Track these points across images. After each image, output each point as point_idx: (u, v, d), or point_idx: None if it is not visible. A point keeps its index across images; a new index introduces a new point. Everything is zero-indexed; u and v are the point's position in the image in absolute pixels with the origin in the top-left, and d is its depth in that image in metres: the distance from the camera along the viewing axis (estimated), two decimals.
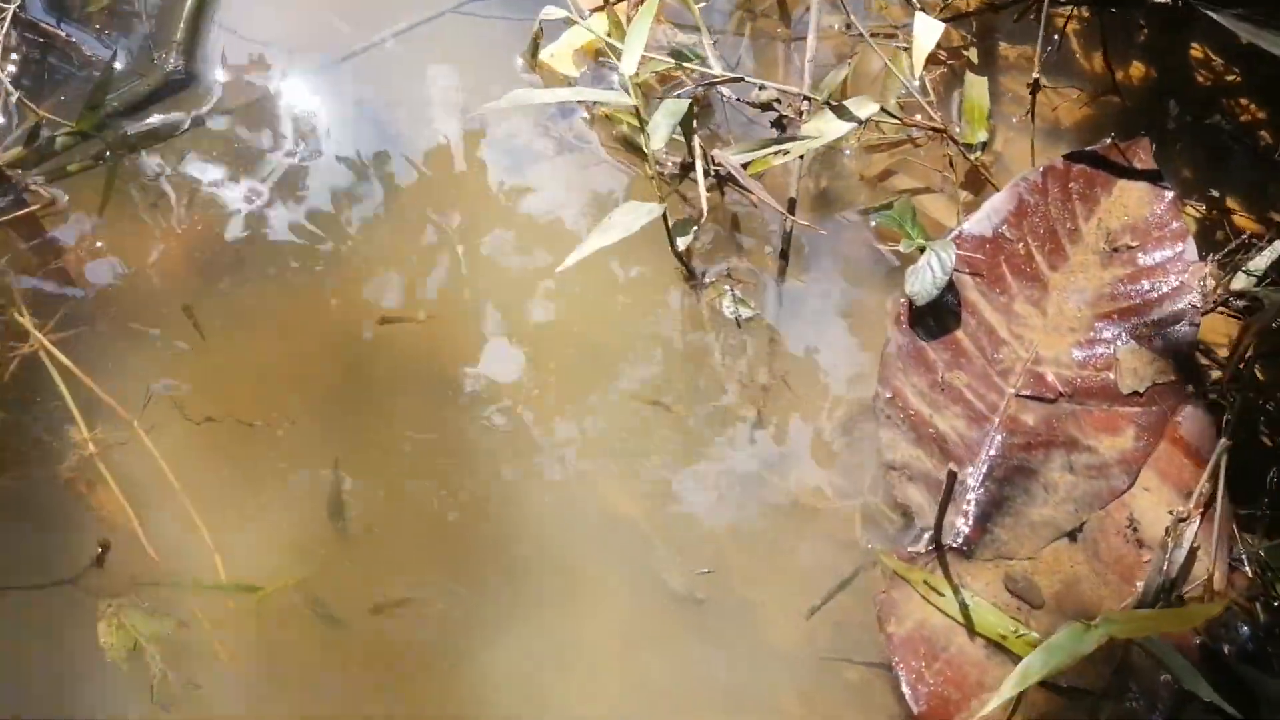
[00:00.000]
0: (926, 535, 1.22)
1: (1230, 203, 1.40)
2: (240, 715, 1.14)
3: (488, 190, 1.40)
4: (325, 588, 1.20)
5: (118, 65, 1.40)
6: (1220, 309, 1.28)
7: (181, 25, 1.41)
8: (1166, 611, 1.07)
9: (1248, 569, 1.22)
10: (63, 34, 1.43)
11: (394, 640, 1.19)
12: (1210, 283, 1.29)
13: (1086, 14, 1.50)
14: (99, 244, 1.32)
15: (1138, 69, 1.51)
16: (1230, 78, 1.49)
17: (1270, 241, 1.22)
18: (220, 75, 1.43)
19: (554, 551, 1.24)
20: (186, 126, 1.38)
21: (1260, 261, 1.22)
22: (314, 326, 1.31)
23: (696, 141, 1.24)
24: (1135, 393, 1.28)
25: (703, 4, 1.50)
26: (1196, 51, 1.50)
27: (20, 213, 1.32)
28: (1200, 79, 1.50)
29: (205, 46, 1.45)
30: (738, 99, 1.38)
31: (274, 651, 1.17)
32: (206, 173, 1.37)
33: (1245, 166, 1.43)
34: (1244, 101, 1.49)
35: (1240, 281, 1.22)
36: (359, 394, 1.28)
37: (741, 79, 1.29)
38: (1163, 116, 1.46)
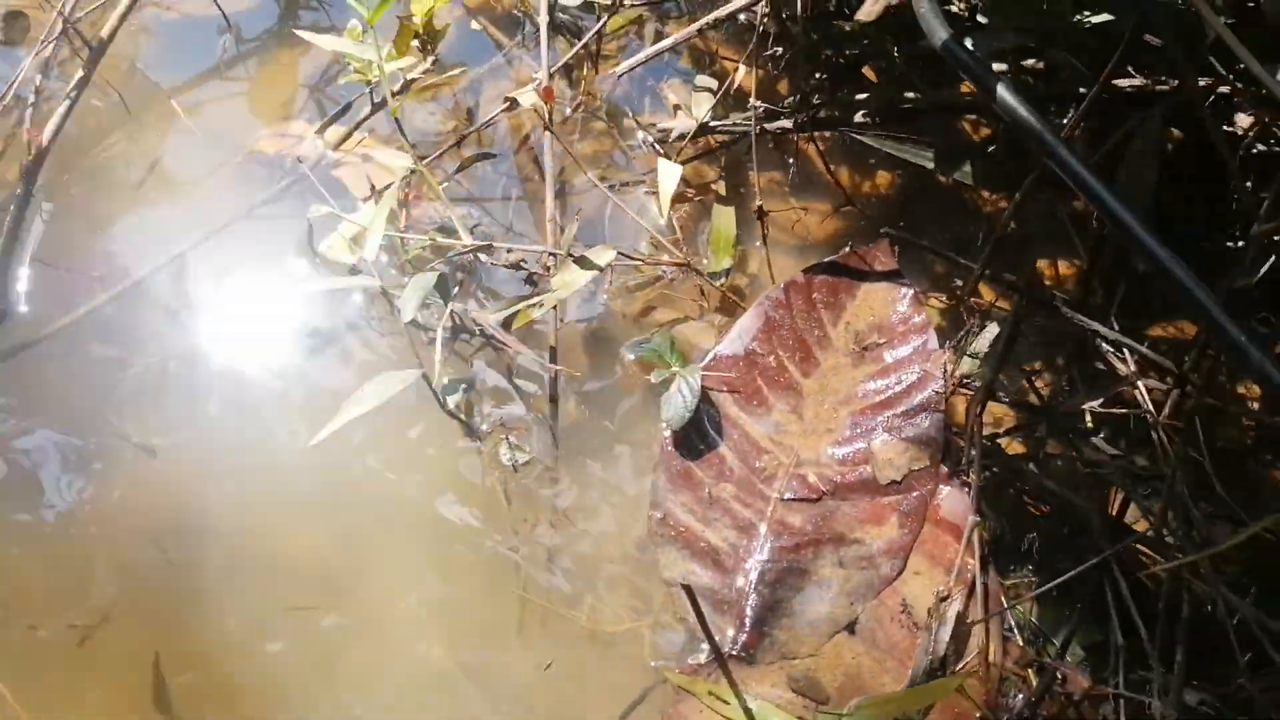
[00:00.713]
0: (706, 647, 1.27)
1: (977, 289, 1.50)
2: None
3: (293, 370, 1.50)
4: None
5: None
6: (962, 391, 1.36)
7: None
8: (908, 691, 1.11)
9: (1019, 638, 1.27)
10: None
11: None
12: (950, 368, 1.37)
13: (828, 136, 1.63)
14: None
15: (882, 178, 1.63)
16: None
17: (984, 325, 1.30)
18: (31, 306, 1.54)
19: (380, 716, 1.29)
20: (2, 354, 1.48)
21: (979, 344, 1.30)
22: (125, 529, 1.39)
23: (449, 309, 1.34)
24: (894, 482, 1.35)
25: (475, 178, 1.64)
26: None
27: None
28: (941, 180, 1.61)
29: (16, 280, 1.54)
30: (493, 263, 1.49)
31: None
32: (24, 395, 1.48)
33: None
34: (984, 194, 1.60)
35: (965, 365, 1.31)
36: (166, 590, 1.35)
37: (490, 245, 1.40)
38: (908, 218, 1.56)
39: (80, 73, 1.62)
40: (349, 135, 1.59)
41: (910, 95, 1.43)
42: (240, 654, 1.31)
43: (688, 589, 1.15)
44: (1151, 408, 1.14)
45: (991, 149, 1.52)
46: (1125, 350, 1.21)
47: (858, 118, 1.43)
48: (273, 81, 1.79)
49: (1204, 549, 0.99)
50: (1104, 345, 1.23)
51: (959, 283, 1.43)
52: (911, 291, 1.46)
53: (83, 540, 1.37)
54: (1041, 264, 1.55)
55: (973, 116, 1.60)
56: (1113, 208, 0.98)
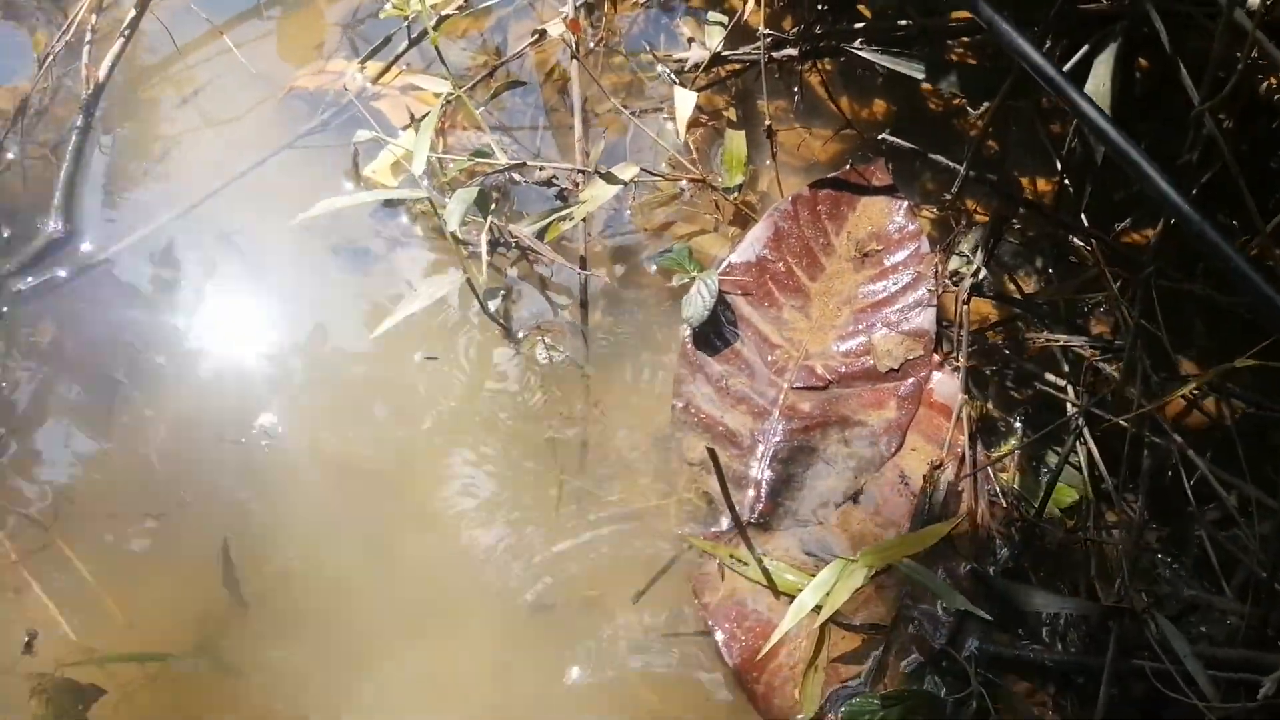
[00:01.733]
0: (726, 517, 1.43)
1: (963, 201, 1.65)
2: None
3: (344, 286, 1.63)
4: (224, 646, 1.39)
5: (4, 232, 1.64)
6: (951, 289, 1.51)
7: (59, 191, 1.66)
8: (908, 536, 1.27)
9: (1003, 501, 1.44)
10: None
11: (289, 682, 1.38)
12: (940, 269, 1.52)
13: (829, 65, 1.77)
14: (2, 384, 1.54)
15: (879, 105, 1.77)
16: (956, 101, 1.75)
17: (970, 228, 1.46)
18: (96, 229, 1.67)
19: (426, 590, 1.44)
20: (68, 277, 1.61)
21: (965, 245, 1.45)
22: (202, 421, 1.53)
23: (489, 220, 1.48)
24: (892, 370, 1.51)
25: (504, 108, 1.77)
26: (926, 87, 1.77)
27: None
28: (931, 106, 1.76)
29: (82, 206, 1.68)
30: (527, 181, 1.63)
31: (184, 703, 1.36)
32: (94, 312, 1.61)
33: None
34: (969, 119, 1.75)
35: (954, 262, 1.46)
36: (238, 480, 1.50)
37: (524, 164, 1.54)
38: (902, 137, 1.71)
39: (133, 12, 1.74)
40: (388, 69, 1.72)
41: (903, 23, 1.57)
42: (302, 542, 1.46)
43: (712, 453, 1.31)
44: (1115, 290, 1.29)
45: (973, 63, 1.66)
46: (1093, 243, 1.37)
47: (856, 44, 1.57)
48: (306, 22, 1.91)
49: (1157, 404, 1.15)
50: (1075, 240, 1.38)
51: (949, 196, 1.58)
52: (906, 203, 1.61)
53: (155, 440, 1.52)
54: (1024, 181, 1.70)
55: (960, 40, 1.73)
56: (1068, 93, 1.12)
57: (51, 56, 1.75)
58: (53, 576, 1.41)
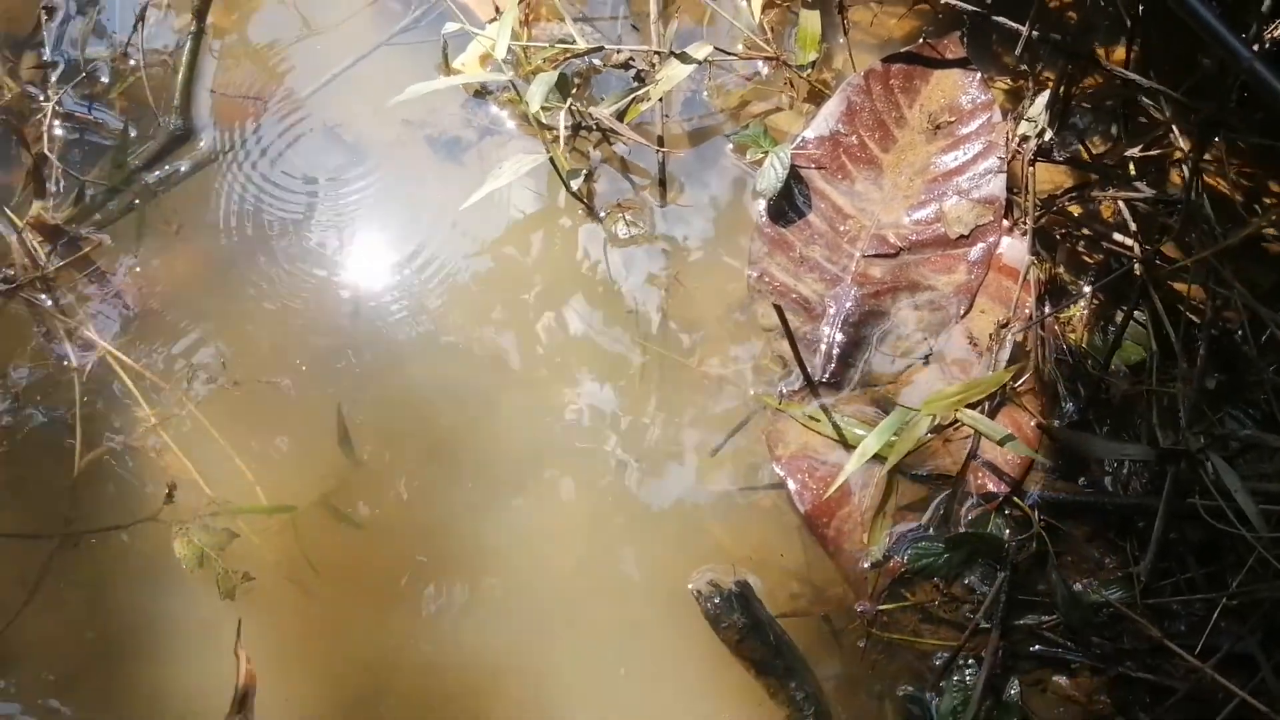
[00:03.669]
0: (798, 376, 1.50)
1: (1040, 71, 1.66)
2: (285, 595, 1.48)
3: (439, 171, 1.73)
4: (342, 499, 1.54)
5: (133, 132, 1.77)
6: (1021, 156, 1.53)
7: (177, 92, 1.79)
8: (967, 383, 1.32)
9: (1070, 359, 1.47)
10: (91, 117, 1.82)
11: (400, 532, 1.52)
12: (1011, 136, 1.55)
13: None
14: (138, 269, 1.69)
15: None
16: None
17: (1037, 94, 1.47)
18: (211, 127, 1.81)
19: (519, 447, 1.55)
20: (189, 170, 1.75)
21: (1034, 109, 1.47)
22: (309, 303, 1.66)
23: (569, 103, 1.56)
24: (962, 236, 1.55)
25: (582, 1, 1.84)
26: None
27: (77, 255, 1.69)
28: None
29: (198, 105, 1.82)
30: (607, 66, 1.70)
31: (308, 550, 1.51)
32: (214, 202, 1.75)
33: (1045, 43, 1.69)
34: None
35: (1023, 128, 1.48)
36: (346, 351, 1.63)
37: (602, 47, 1.61)
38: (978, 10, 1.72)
39: None
40: None
41: None
42: (410, 406, 1.59)
43: (778, 308, 1.38)
44: (1183, 145, 1.31)
45: None
46: (1161, 100, 1.38)
47: None
48: None
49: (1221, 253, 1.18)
50: (1143, 99, 1.39)
51: (1015, 59, 1.59)
52: (979, 75, 1.63)
53: (276, 315, 1.65)
54: (1098, 49, 1.70)
55: None
56: None
57: None
58: (188, 438, 1.58)
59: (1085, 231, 1.49)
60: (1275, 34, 1.28)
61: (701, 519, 1.48)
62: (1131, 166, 1.45)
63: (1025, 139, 1.48)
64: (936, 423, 1.37)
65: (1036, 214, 1.46)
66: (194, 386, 1.60)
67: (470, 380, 1.59)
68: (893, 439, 1.32)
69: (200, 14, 1.83)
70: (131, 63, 1.84)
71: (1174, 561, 1.31)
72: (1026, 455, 1.32)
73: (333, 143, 1.76)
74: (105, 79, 1.84)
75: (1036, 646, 1.32)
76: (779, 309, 1.33)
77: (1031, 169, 1.44)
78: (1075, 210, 1.52)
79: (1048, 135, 1.43)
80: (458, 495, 1.52)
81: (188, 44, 1.82)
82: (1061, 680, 1.31)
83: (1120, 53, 1.63)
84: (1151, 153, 1.42)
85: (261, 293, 1.65)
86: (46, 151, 1.74)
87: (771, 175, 1.55)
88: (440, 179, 1.72)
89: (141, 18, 1.85)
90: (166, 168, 1.76)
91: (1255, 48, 1.18)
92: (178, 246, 1.71)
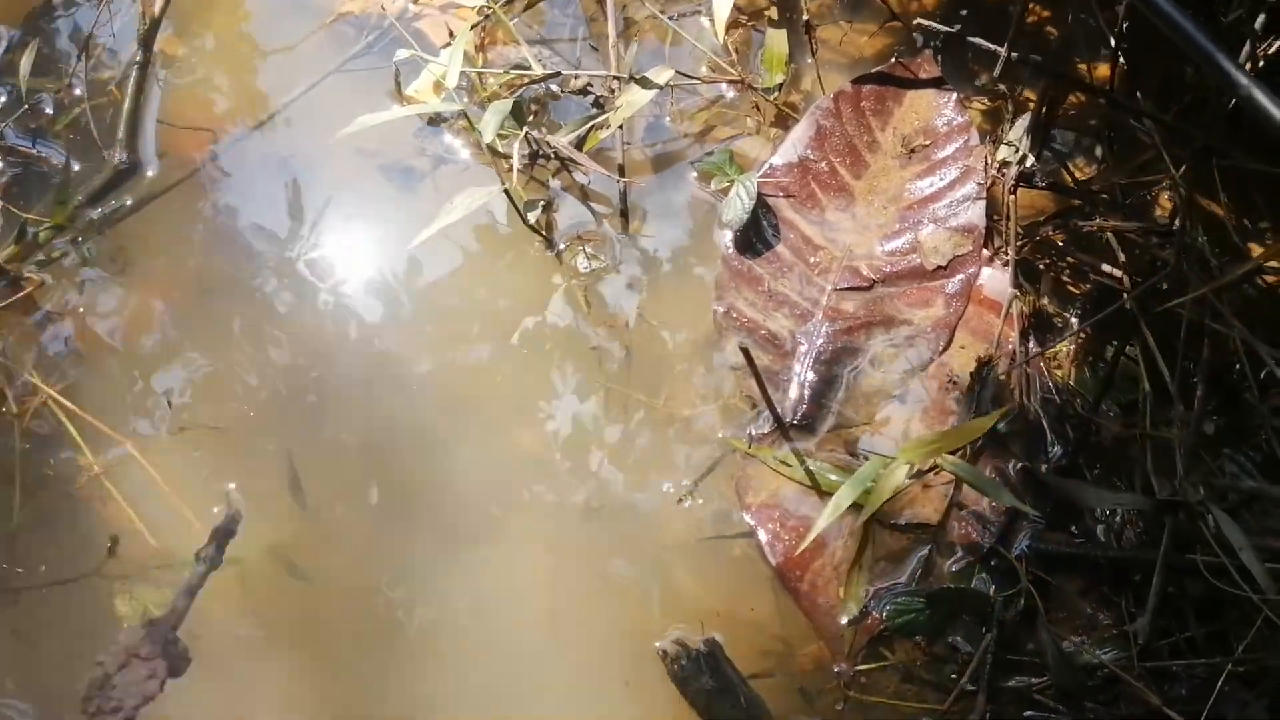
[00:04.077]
0: (768, 419, 1.41)
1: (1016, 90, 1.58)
2: (233, 655, 1.39)
3: (393, 203, 1.65)
4: (292, 552, 1.46)
5: (76, 166, 1.69)
6: (1000, 181, 1.45)
7: (122, 125, 1.71)
8: (950, 430, 1.24)
9: (1057, 398, 1.39)
10: (35, 151, 1.74)
11: (358, 586, 1.43)
12: (990, 160, 1.46)
13: None
14: (81, 309, 1.61)
15: None
16: None
17: (1017, 116, 1.39)
18: (157, 160, 1.73)
19: (478, 496, 1.46)
20: (135, 205, 1.67)
21: (1014, 133, 1.39)
22: (258, 344, 1.58)
23: (525, 131, 1.48)
24: (939, 267, 1.46)
25: (543, 22, 1.76)
26: None
27: (18, 296, 1.61)
28: None
29: (145, 137, 1.73)
30: (565, 92, 1.62)
31: (257, 606, 1.42)
32: (160, 238, 1.67)
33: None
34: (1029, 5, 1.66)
35: (1003, 152, 1.40)
36: (297, 394, 1.55)
37: (559, 73, 1.53)
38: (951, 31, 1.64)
39: None
40: None
41: None
42: (365, 451, 1.49)
43: (745, 351, 1.29)
44: (1172, 168, 1.23)
45: None
46: (1149, 123, 1.30)
47: None
48: None
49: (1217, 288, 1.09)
50: (1132, 123, 1.31)
51: (989, 80, 1.51)
52: (955, 96, 1.54)
53: (225, 357, 1.57)
54: (1081, 67, 1.62)
55: None
56: None
57: None
58: (133, 486, 1.49)
59: (1071, 261, 1.41)
60: (1270, 52, 1.20)
61: (669, 568, 1.39)
62: (1119, 192, 1.37)
63: (1005, 164, 1.40)
64: (915, 470, 1.29)
65: (1019, 243, 1.38)
66: (138, 430, 1.53)
67: (427, 424, 1.50)
68: (869, 486, 1.24)
69: (146, 43, 1.74)
70: (77, 93, 1.76)
71: (1173, 619, 1.22)
72: (1013, 504, 1.23)
73: (284, 174, 1.69)
74: (50, 110, 1.76)
75: (1026, 712, 1.23)
76: (745, 351, 1.25)
77: (1013, 196, 1.36)
78: (1059, 239, 1.44)
79: (1029, 160, 1.35)
80: (415, 547, 1.43)
81: (133, 74, 1.73)
82: None
83: (1104, 69, 1.56)
84: (1142, 179, 1.33)
85: (210, 333, 1.57)
86: None
87: (738, 205, 1.47)
88: (394, 211, 1.63)
89: (86, 47, 1.77)
90: (112, 203, 1.67)
91: (1248, 66, 1.10)
92: (123, 285, 1.63)
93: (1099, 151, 1.49)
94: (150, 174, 1.70)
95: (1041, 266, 1.45)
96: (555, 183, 1.60)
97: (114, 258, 1.65)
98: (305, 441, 1.50)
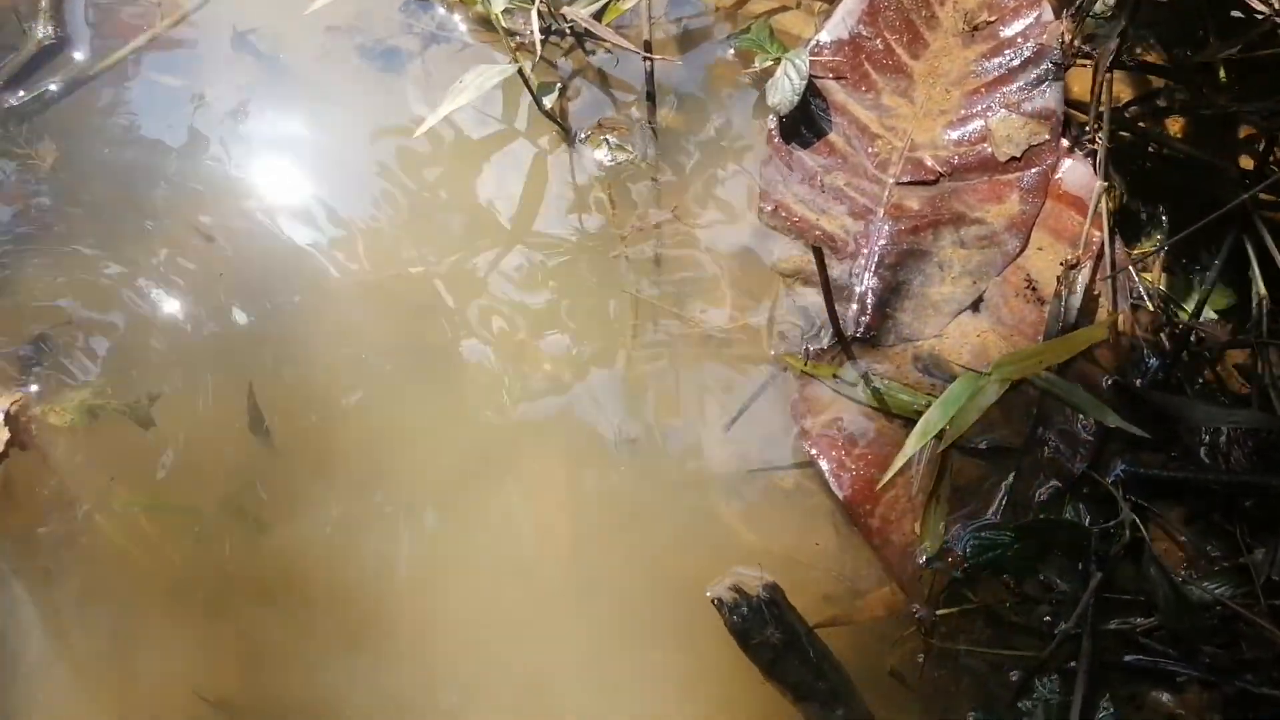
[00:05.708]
0: (827, 331, 1.24)
1: None
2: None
3: (374, 88, 1.42)
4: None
5: None
6: (1081, 61, 1.28)
7: None
8: (1051, 343, 1.08)
9: (1150, 305, 1.24)
10: None
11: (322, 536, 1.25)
12: (1067, 37, 1.29)
13: None
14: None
15: None
16: None
17: None
18: (90, 36, 1.47)
19: (506, 425, 1.27)
20: (62, 90, 1.42)
21: (1100, 4, 1.22)
22: (206, 260, 1.35)
23: (536, 3, 1.26)
24: (1013, 158, 1.29)
25: None
26: None
27: None
28: None
29: (73, 8, 1.46)
30: None
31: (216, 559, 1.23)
32: (87, 130, 1.42)
33: None
34: None
35: (1090, 27, 1.23)
36: (255, 327, 1.33)
37: None
38: None
39: None
40: None
41: None
42: (341, 377, 1.30)
43: (818, 251, 1.11)
44: None
45: None
46: None
47: None
48: None
49: None
50: None
51: None
52: None
53: (165, 278, 1.34)
54: None
55: None
56: None
57: None
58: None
59: (1165, 151, 1.25)
60: None
61: (713, 507, 1.22)
62: (1222, 72, 1.20)
63: (1090, 38, 1.23)
64: (1006, 388, 1.13)
65: (1110, 128, 1.21)
66: (92, 374, 1.30)
67: (427, 349, 1.31)
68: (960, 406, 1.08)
69: None
70: None
71: None
72: (1120, 425, 1.08)
73: (243, 54, 1.44)
74: None
75: (1130, 656, 1.10)
76: (817, 250, 1.06)
77: (1108, 74, 1.18)
78: (1147, 120, 1.27)
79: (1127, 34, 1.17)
80: (403, 487, 1.24)
81: None
82: (1163, 696, 1.09)
83: None
84: (1254, 54, 1.17)
85: (151, 245, 1.34)
86: None
87: (786, 86, 1.27)
88: (376, 98, 1.41)
89: None
90: (35, 87, 1.43)
91: None
92: (49, 185, 1.39)
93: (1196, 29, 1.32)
94: (80, 53, 1.44)
95: (1128, 156, 1.29)
96: (566, 63, 1.39)
97: (39, 152, 1.41)
98: (273, 372, 1.29)
